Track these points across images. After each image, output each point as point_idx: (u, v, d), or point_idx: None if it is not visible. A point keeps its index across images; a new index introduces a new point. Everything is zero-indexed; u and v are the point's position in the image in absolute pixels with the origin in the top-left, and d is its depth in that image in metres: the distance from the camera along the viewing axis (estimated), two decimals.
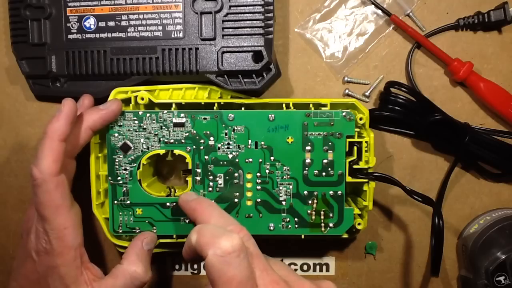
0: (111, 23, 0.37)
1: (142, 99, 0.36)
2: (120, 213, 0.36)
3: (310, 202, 0.36)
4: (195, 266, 0.43)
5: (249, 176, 0.36)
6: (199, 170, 0.36)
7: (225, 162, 0.36)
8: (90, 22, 0.37)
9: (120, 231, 0.37)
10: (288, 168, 0.36)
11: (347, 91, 0.40)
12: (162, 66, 0.37)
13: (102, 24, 0.37)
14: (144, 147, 0.36)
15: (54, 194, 0.31)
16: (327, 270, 0.43)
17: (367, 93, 0.40)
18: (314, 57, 0.41)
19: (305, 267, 0.43)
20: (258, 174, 0.36)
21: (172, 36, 0.37)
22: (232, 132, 0.36)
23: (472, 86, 0.39)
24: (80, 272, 0.33)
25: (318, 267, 0.43)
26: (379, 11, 0.40)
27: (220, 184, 0.36)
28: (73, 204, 0.33)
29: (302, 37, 0.41)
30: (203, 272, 0.43)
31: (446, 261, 0.42)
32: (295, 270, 0.43)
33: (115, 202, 0.36)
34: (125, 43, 0.37)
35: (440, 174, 0.41)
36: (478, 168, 0.40)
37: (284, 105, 0.37)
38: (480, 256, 0.38)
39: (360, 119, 0.36)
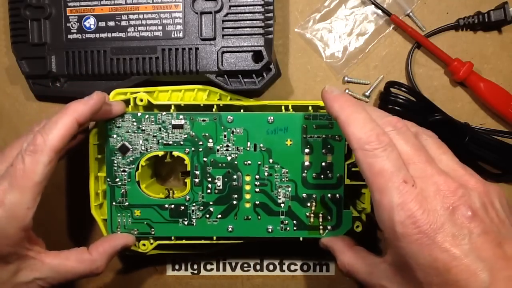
0: (111, 23, 0.37)
1: (141, 100, 0.36)
2: (119, 214, 0.36)
3: (308, 204, 0.36)
4: (195, 266, 0.43)
5: (247, 179, 0.36)
6: (197, 172, 0.36)
7: (223, 164, 0.36)
8: (90, 22, 0.37)
9: (119, 232, 0.37)
10: (287, 170, 0.36)
11: (347, 91, 0.40)
12: (162, 66, 0.37)
13: (102, 24, 0.37)
14: (143, 148, 0.36)
15: (43, 169, 0.29)
16: (327, 270, 0.43)
17: (367, 93, 0.40)
18: (314, 57, 0.41)
19: (305, 267, 0.43)
20: (257, 177, 0.36)
21: (172, 36, 0.37)
22: (231, 134, 0.35)
23: (472, 86, 0.39)
24: (25, 249, 0.31)
25: (318, 267, 0.43)
26: (379, 11, 0.40)
27: (219, 186, 0.36)
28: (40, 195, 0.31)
29: (302, 37, 0.41)
30: (203, 272, 0.43)
31: None
32: (295, 270, 0.43)
33: (114, 203, 0.36)
34: (125, 43, 0.37)
35: None
36: (478, 168, 0.40)
37: (283, 108, 0.37)
38: None
39: None
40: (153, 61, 0.37)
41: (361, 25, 0.40)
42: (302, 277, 0.43)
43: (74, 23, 0.37)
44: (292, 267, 0.43)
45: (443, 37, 0.40)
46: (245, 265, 0.43)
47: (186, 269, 0.43)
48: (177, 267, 0.43)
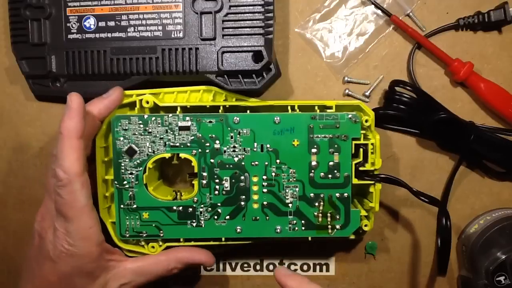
0: (111, 23, 0.37)
1: (147, 102, 0.36)
2: (127, 217, 0.36)
3: (316, 204, 0.36)
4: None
5: (255, 179, 0.36)
6: (205, 174, 0.36)
7: (231, 165, 0.36)
8: (90, 22, 0.37)
9: (127, 235, 0.36)
10: (294, 170, 0.36)
11: (347, 91, 0.40)
12: (162, 66, 0.37)
13: (102, 24, 0.37)
14: (150, 151, 0.36)
15: (80, 194, 0.31)
16: (327, 270, 0.43)
17: (367, 93, 0.40)
18: (314, 57, 0.41)
19: (305, 267, 0.43)
20: (264, 177, 0.36)
21: (172, 36, 0.37)
22: (238, 135, 0.35)
23: (473, 86, 0.39)
24: (106, 261, 0.34)
25: (318, 267, 0.43)
26: (379, 11, 0.40)
27: (226, 187, 0.36)
28: (93, 207, 0.33)
29: (302, 37, 0.41)
30: (203, 272, 0.43)
31: None
32: (295, 270, 0.43)
33: (122, 206, 0.36)
34: (125, 43, 0.37)
35: (442, 173, 0.41)
36: (483, 167, 0.40)
37: (289, 108, 0.36)
38: (480, 256, 0.38)
39: (366, 121, 0.36)
40: (153, 61, 0.37)
41: (361, 25, 0.40)
42: None
43: (74, 23, 0.37)
44: (292, 267, 0.43)
45: (443, 37, 0.40)
46: (245, 265, 0.43)
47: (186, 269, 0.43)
48: None
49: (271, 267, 0.43)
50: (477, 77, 0.39)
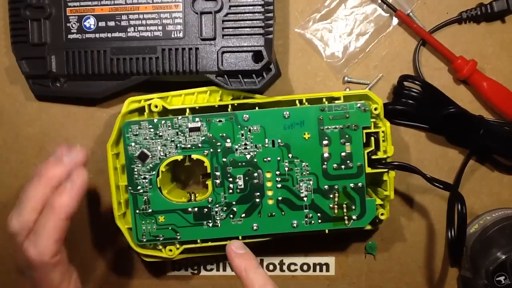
0: (111, 23, 0.37)
1: (156, 106, 0.36)
2: (143, 222, 0.36)
3: (331, 196, 0.36)
4: (195, 266, 0.43)
5: (268, 175, 0.36)
6: (218, 173, 0.36)
7: (243, 163, 0.36)
8: (90, 22, 0.37)
9: (144, 240, 0.36)
10: (307, 164, 0.36)
11: (347, 89, 0.40)
12: (162, 66, 0.37)
13: (102, 24, 0.37)
14: (162, 154, 0.36)
15: (53, 274, 0.29)
16: (327, 270, 0.43)
17: None
18: (314, 57, 0.41)
19: (305, 267, 0.43)
20: (278, 172, 0.36)
21: (172, 36, 0.37)
22: (248, 133, 0.35)
23: (475, 84, 0.39)
24: None
25: (318, 267, 0.43)
26: (380, 11, 0.40)
27: (240, 185, 0.36)
28: (70, 270, 0.31)
29: (302, 37, 0.41)
30: (203, 272, 0.43)
31: (446, 261, 0.42)
32: (295, 270, 0.43)
33: (137, 211, 0.36)
34: (125, 43, 0.37)
35: (451, 167, 0.41)
36: (493, 161, 0.40)
37: (297, 102, 0.36)
38: (480, 256, 0.38)
39: (375, 109, 0.36)
40: (153, 61, 0.37)
41: (361, 25, 0.40)
42: (302, 277, 0.43)
43: (74, 23, 0.37)
44: (292, 267, 0.43)
45: (443, 37, 0.40)
46: None
47: (186, 269, 0.43)
48: (177, 267, 0.43)
49: (271, 267, 0.43)
50: (480, 75, 0.39)
